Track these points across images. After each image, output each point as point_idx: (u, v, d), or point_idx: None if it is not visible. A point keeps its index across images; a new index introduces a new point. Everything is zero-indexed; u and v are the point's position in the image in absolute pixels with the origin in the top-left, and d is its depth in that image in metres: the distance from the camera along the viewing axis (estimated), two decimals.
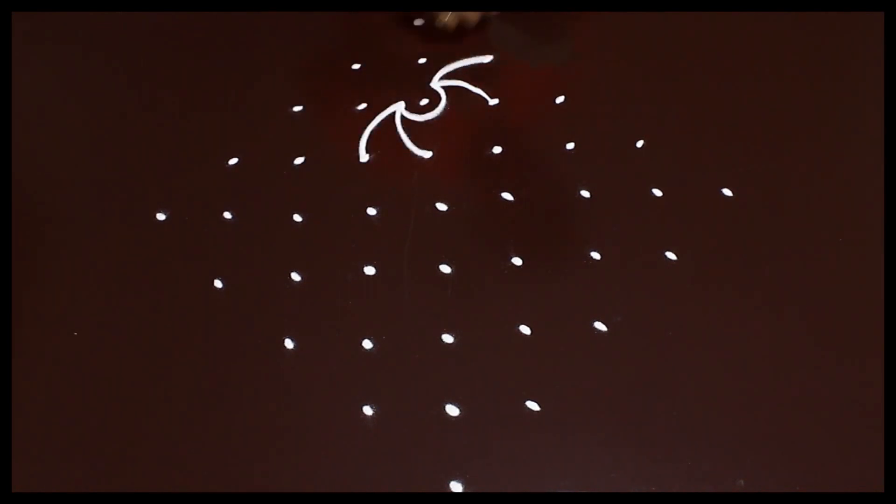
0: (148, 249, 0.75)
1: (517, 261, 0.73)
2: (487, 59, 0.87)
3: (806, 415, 0.65)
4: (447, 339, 0.69)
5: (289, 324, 0.70)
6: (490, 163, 0.80)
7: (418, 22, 0.90)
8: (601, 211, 0.76)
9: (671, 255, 0.73)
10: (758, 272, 0.72)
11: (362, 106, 0.83)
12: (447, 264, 0.73)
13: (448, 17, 0.83)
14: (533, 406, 0.66)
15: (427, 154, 0.81)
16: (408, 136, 0.82)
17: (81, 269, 0.74)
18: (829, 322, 0.70)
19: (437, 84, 0.85)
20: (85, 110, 0.85)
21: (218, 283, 0.73)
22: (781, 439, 0.64)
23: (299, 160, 0.80)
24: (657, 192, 0.77)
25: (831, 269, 0.72)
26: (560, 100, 0.84)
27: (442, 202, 0.77)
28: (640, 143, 0.81)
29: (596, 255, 0.73)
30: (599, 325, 0.70)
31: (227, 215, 0.77)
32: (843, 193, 0.77)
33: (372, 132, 0.82)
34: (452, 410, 0.66)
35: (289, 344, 0.69)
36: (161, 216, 0.77)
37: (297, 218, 0.77)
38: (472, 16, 0.85)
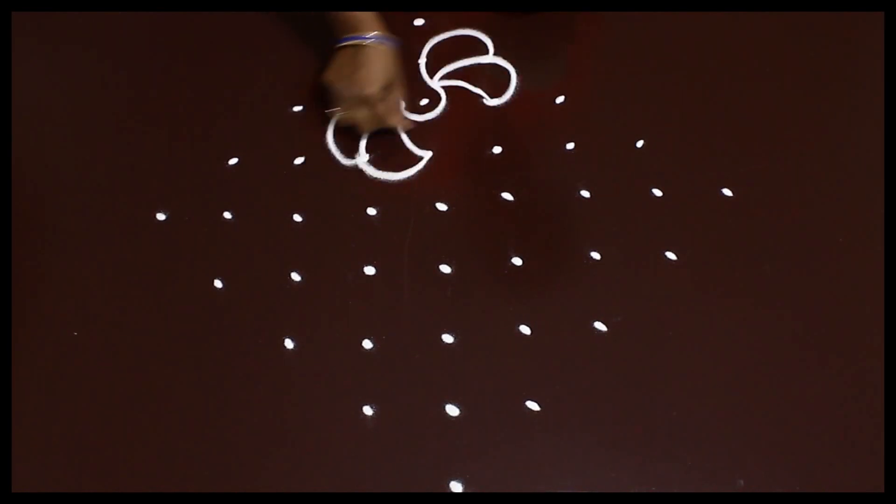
0: (148, 249, 0.75)
1: (517, 261, 0.73)
2: (487, 59, 0.87)
3: (806, 415, 0.65)
4: (447, 339, 0.69)
5: (289, 324, 0.70)
6: (490, 163, 0.80)
7: (418, 22, 0.90)
8: (601, 211, 0.76)
9: (671, 255, 0.73)
10: (757, 272, 0.72)
11: None
12: (447, 264, 0.73)
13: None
14: (533, 406, 0.66)
15: (427, 154, 0.80)
16: (408, 136, 0.81)
17: (81, 268, 0.74)
18: (828, 322, 0.70)
19: (437, 84, 0.85)
20: (85, 110, 0.85)
21: (218, 283, 0.73)
22: (781, 439, 0.64)
23: (299, 160, 0.80)
24: (657, 192, 0.77)
25: (831, 269, 0.72)
26: (560, 100, 0.84)
27: (442, 202, 0.77)
28: (640, 143, 0.81)
29: (596, 255, 0.73)
30: (599, 325, 0.70)
31: (227, 215, 0.77)
32: (843, 193, 0.77)
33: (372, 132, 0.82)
34: (452, 410, 0.66)
35: (289, 344, 0.69)
36: (161, 216, 0.77)
37: (297, 218, 0.77)
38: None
